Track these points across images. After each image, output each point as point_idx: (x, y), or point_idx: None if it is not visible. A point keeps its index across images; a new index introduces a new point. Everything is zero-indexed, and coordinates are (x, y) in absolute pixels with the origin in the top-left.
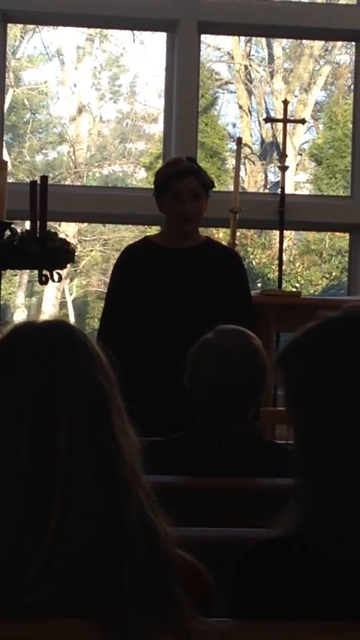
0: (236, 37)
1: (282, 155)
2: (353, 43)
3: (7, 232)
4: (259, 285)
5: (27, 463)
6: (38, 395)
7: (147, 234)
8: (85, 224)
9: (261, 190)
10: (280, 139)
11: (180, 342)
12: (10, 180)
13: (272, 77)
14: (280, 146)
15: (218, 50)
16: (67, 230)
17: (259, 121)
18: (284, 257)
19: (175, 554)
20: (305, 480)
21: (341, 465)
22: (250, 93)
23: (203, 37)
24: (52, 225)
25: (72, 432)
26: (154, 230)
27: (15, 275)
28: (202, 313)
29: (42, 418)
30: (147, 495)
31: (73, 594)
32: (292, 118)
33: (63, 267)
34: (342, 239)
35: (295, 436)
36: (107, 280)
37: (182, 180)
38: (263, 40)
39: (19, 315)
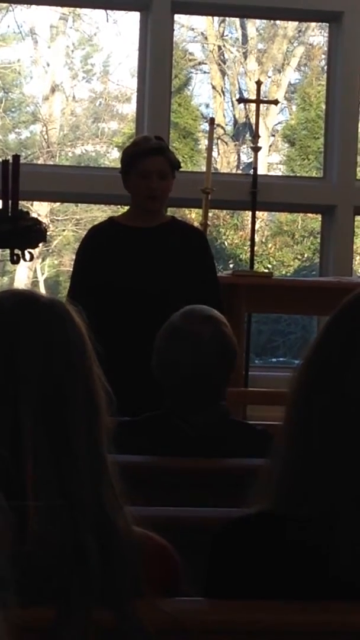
0: (210, 17)
1: (255, 136)
2: (327, 24)
3: None
4: (230, 266)
5: None
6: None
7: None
8: (58, 204)
9: (234, 171)
10: (253, 120)
11: (144, 313)
12: None
13: (245, 57)
14: (253, 127)
15: (192, 31)
16: (40, 210)
17: (232, 102)
18: (256, 238)
19: (141, 537)
20: (287, 458)
21: (332, 445)
22: (223, 73)
23: (177, 17)
24: (24, 204)
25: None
26: (126, 210)
27: None
28: (167, 283)
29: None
30: (109, 485)
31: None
32: (265, 99)
33: (35, 246)
34: (314, 220)
35: (292, 408)
36: None
37: (150, 159)
38: (237, 20)
39: None
